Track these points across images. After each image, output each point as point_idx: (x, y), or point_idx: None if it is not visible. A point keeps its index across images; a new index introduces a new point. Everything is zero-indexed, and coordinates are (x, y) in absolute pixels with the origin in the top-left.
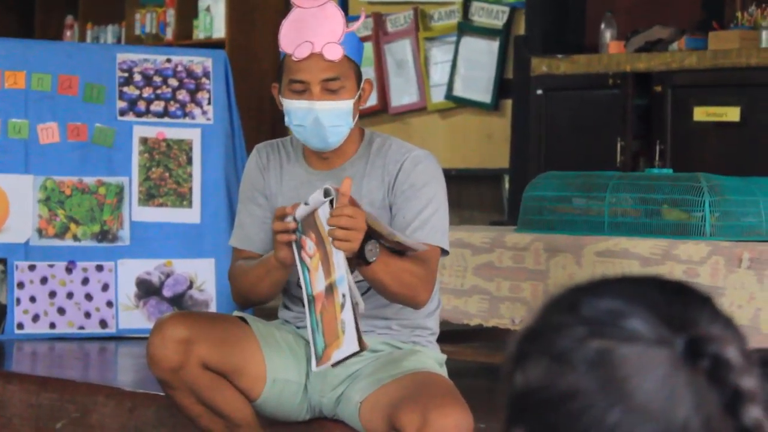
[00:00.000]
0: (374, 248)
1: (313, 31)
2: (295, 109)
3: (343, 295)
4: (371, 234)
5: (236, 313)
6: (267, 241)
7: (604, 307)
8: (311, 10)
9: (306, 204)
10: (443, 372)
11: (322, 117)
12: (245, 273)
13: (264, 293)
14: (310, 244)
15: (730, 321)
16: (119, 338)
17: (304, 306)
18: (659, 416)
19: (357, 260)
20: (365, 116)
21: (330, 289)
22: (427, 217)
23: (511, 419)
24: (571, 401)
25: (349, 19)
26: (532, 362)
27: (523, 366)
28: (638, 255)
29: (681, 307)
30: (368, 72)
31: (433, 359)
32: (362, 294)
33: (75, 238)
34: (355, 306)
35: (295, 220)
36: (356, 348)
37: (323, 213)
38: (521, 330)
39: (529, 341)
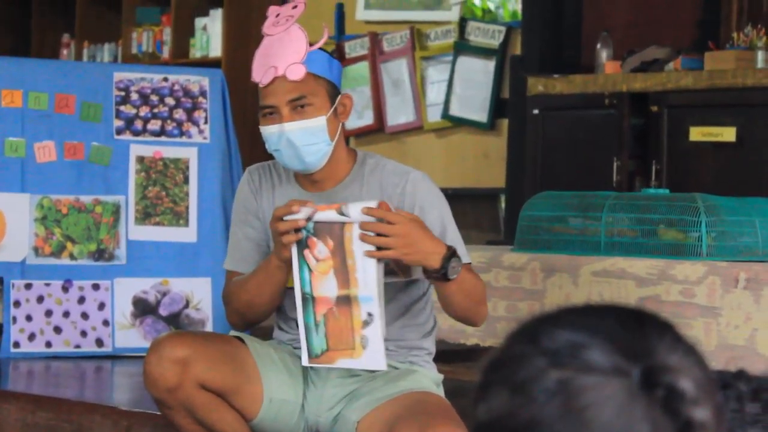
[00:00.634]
0: (457, 266)
1: (277, 56)
2: (268, 134)
3: (370, 314)
4: (452, 252)
5: (233, 333)
6: (260, 261)
7: (564, 338)
8: (278, 35)
9: (341, 214)
10: (440, 392)
11: (292, 137)
12: (242, 285)
13: (264, 302)
14: (322, 248)
15: (692, 349)
16: (115, 357)
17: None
18: None
19: (437, 275)
20: (361, 135)
21: (346, 300)
22: (451, 239)
23: None
24: (531, 430)
25: (346, 38)
26: (494, 392)
27: (486, 395)
28: (635, 275)
29: (639, 337)
30: (364, 91)
31: (429, 379)
32: None
33: (71, 256)
34: (383, 328)
35: (307, 219)
36: (384, 367)
37: (356, 228)
38: (486, 359)
39: (492, 371)
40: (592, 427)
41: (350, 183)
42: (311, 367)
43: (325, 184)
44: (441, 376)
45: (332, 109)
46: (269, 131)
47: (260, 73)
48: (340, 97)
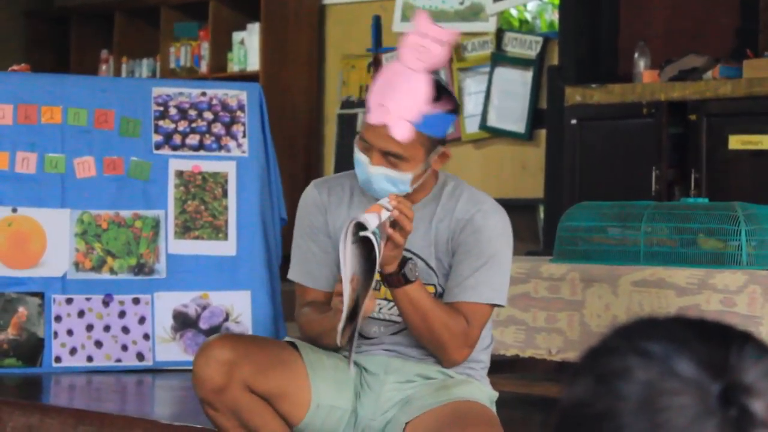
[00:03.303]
0: (414, 268)
1: (394, 98)
2: (356, 160)
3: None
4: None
5: (287, 338)
6: (330, 277)
7: (658, 343)
8: (408, 72)
9: (384, 209)
10: (492, 408)
11: (374, 180)
12: (311, 324)
13: (332, 343)
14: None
15: None
16: (156, 371)
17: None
18: None
19: (396, 277)
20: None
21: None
22: (483, 275)
23: (555, 431)
24: (606, 421)
25: (382, 50)
26: (581, 378)
27: (574, 381)
28: (675, 285)
29: (724, 354)
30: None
31: (484, 393)
32: (402, 329)
33: (112, 271)
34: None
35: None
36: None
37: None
38: (586, 348)
39: (585, 359)
40: (662, 430)
41: (428, 203)
42: (366, 371)
43: (407, 198)
44: (496, 394)
45: (425, 164)
46: (357, 158)
47: (372, 104)
48: (439, 150)
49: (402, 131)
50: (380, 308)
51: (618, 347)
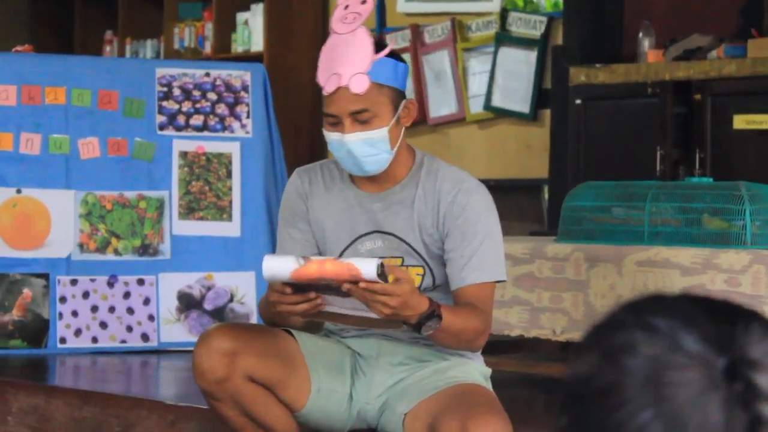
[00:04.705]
0: (434, 324)
1: (341, 62)
2: (330, 141)
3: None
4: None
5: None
6: None
7: (664, 319)
8: (344, 36)
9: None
10: (488, 385)
11: (353, 149)
12: (265, 307)
13: (288, 325)
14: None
15: None
16: (161, 352)
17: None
18: (687, 425)
19: (412, 329)
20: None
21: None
22: (483, 254)
23: (561, 408)
24: (611, 396)
25: (387, 30)
26: (586, 354)
27: (579, 356)
28: (679, 264)
29: (730, 331)
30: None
31: (478, 371)
32: None
33: (116, 252)
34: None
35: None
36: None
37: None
38: (591, 324)
39: (590, 335)
40: (668, 404)
41: (407, 184)
42: (359, 356)
43: (382, 185)
44: (489, 370)
45: (395, 118)
46: (331, 138)
47: (324, 77)
48: (404, 102)
49: (359, 83)
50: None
51: (624, 322)
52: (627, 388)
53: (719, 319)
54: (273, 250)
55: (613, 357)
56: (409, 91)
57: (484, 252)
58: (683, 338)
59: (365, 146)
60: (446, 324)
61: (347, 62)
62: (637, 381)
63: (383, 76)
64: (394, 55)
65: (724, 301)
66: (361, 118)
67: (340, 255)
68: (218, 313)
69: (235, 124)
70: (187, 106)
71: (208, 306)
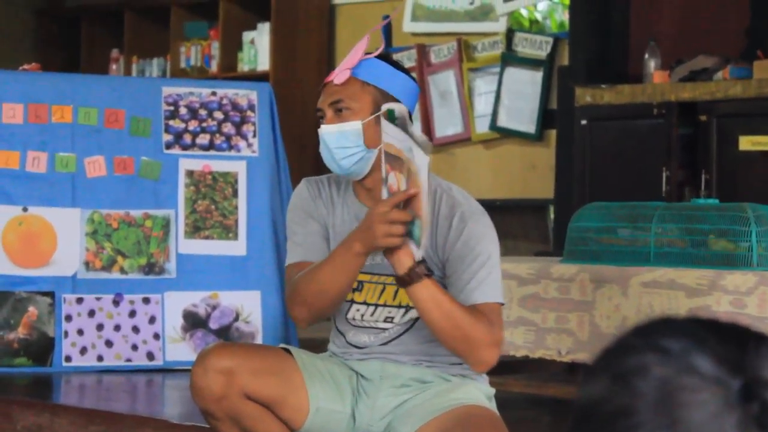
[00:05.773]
0: (420, 271)
1: (338, 67)
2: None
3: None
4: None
5: (281, 345)
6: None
7: (675, 341)
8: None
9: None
10: (492, 406)
11: (327, 139)
12: (313, 275)
13: (336, 292)
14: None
15: None
16: (166, 370)
17: (346, 341)
18: None
19: (416, 270)
20: None
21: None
22: (483, 276)
23: (569, 431)
24: (623, 419)
25: (393, 50)
26: (596, 377)
27: (589, 379)
28: (685, 286)
29: (743, 352)
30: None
31: (481, 392)
32: (409, 327)
33: (122, 270)
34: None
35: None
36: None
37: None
38: (602, 347)
39: (601, 358)
40: (681, 426)
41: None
42: (362, 377)
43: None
44: (493, 390)
45: (374, 116)
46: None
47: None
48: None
49: (341, 75)
50: (362, 315)
51: (634, 345)
52: (639, 411)
53: (729, 340)
54: (279, 269)
55: (624, 379)
56: (415, 111)
57: (485, 275)
58: (696, 360)
59: (338, 137)
60: (437, 287)
61: (342, 64)
62: (649, 403)
63: (366, 73)
64: (402, 69)
65: (732, 323)
66: (338, 107)
67: None
68: (223, 332)
69: (242, 143)
70: (193, 125)
71: (213, 325)
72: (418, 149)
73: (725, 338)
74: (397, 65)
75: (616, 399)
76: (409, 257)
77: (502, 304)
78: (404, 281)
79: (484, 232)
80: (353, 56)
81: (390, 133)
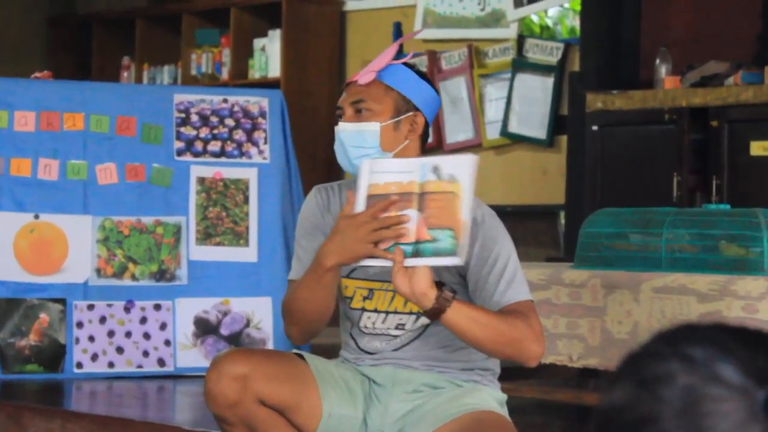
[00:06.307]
0: (447, 294)
1: (364, 69)
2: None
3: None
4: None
5: (294, 351)
6: None
7: (701, 349)
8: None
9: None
10: (504, 412)
11: (343, 137)
12: (294, 292)
13: (316, 308)
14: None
15: None
16: (177, 377)
17: (358, 347)
18: None
19: (441, 298)
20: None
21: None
22: (510, 276)
23: None
24: (647, 426)
25: (404, 56)
26: (621, 383)
27: (614, 385)
28: (696, 291)
29: (767, 360)
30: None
31: (493, 398)
32: (421, 333)
33: (133, 277)
34: None
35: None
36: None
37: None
38: (626, 353)
39: (626, 364)
40: None
41: None
42: (374, 383)
43: None
44: (505, 396)
45: (393, 120)
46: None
47: None
48: (412, 113)
49: (365, 76)
50: (374, 322)
51: (660, 352)
52: (664, 419)
53: (756, 349)
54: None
55: (649, 387)
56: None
57: (512, 275)
58: (721, 368)
59: (355, 136)
60: (470, 313)
61: (368, 66)
62: (674, 411)
63: (392, 78)
64: (427, 79)
65: (758, 331)
66: (358, 107)
67: (350, 273)
68: (234, 339)
69: (253, 150)
70: (204, 132)
71: (224, 331)
72: (448, 156)
73: (751, 347)
74: (422, 75)
75: (640, 406)
76: (428, 285)
77: (532, 301)
78: (435, 313)
79: (498, 232)
80: (381, 59)
81: (386, 170)
